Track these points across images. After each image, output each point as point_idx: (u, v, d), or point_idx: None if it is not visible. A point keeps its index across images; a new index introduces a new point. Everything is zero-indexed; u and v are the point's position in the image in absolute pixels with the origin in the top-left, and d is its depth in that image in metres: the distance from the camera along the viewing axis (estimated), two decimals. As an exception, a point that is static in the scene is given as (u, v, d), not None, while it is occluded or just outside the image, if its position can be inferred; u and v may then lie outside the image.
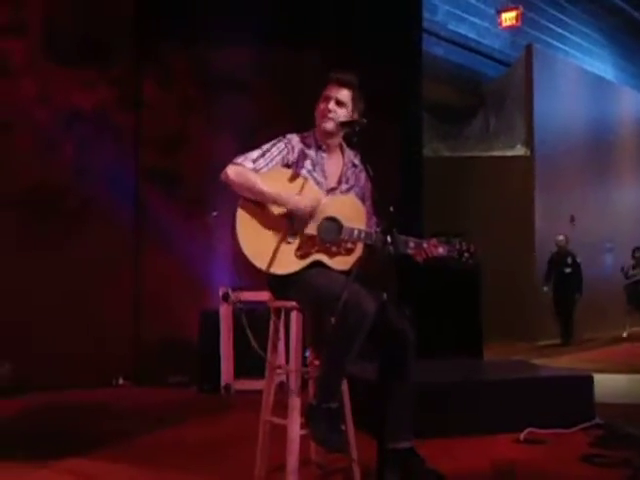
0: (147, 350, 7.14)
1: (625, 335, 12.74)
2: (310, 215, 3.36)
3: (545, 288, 11.89)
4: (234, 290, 6.40)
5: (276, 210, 3.36)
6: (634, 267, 13.09)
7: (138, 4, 7.31)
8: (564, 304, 11.84)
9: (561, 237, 11.84)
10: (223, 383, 6.47)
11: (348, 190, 3.60)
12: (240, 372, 6.43)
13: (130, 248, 7.22)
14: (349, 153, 3.66)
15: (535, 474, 3.79)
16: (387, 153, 7.70)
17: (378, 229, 3.45)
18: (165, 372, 6.99)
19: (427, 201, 8.75)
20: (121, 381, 6.99)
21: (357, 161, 3.65)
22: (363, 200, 3.63)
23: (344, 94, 3.52)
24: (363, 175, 3.64)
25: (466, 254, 3.54)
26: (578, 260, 11.77)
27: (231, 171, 3.38)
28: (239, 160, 3.40)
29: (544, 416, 4.66)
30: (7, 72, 6.91)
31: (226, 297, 6.49)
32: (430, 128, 12.35)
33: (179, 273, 7.19)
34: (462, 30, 13.32)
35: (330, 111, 3.49)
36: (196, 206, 7.23)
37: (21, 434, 4.99)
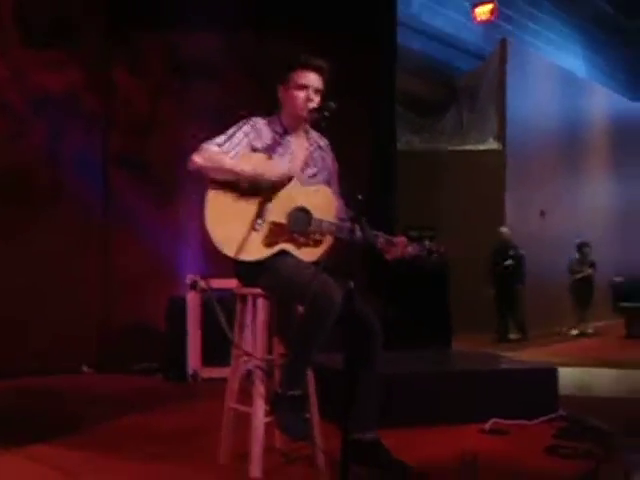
0: (113, 337, 7.08)
1: (575, 333, 12.64)
2: (287, 180, 3.34)
3: (491, 290, 11.51)
4: (202, 278, 6.37)
5: (245, 197, 3.34)
6: (581, 263, 12.99)
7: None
8: (506, 298, 11.52)
9: (504, 229, 11.66)
10: (190, 371, 6.44)
11: (315, 174, 3.58)
12: (208, 360, 6.40)
13: (99, 234, 7.15)
14: (314, 135, 3.63)
15: (499, 464, 3.81)
16: (360, 144, 7.72)
17: (346, 217, 3.44)
18: (131, 360, 6.92)
19: (400, 194, 8.75)
20: (85, 368, 6.92)
21: (322, 143, 3.63)
22: (329, 183, 3.62)
23: (320, 81, 3.50)
24: (329, 157, 3.64)
25: (435, 254, 3.55)
26: (521, 252, 11.55)
27: (198, 157, 3.34)
28: (203, 146, 3.37)
29: (509, 407, 4.69)
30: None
31: (194, 285, 6.46)
32: (404, 121, 12.36)
33: (148, 260, 7.14)
34: (436, 23, 13.33)
35: (311, 101, 3.46)
36: (166, 192, 7.19)
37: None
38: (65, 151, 7.05)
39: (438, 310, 7.19)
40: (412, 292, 7.01)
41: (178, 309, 6.56)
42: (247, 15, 7.21)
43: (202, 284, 6.36)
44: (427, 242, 3.56)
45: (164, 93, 7.44)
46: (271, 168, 3.34)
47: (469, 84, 13.55)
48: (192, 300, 6.49)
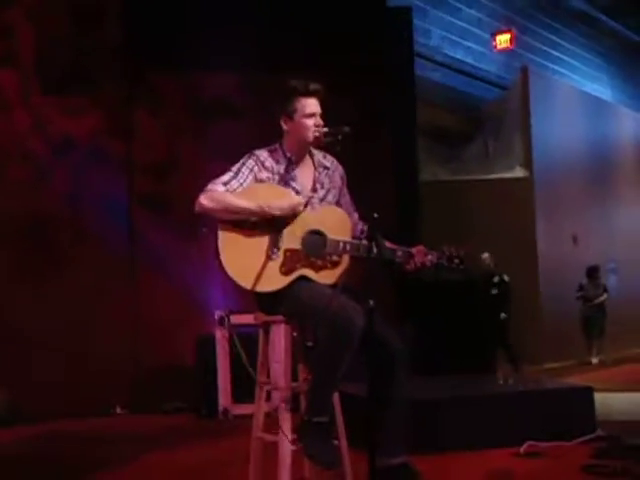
0: (144, 377, 7.08)
1: (595, 361, 12.04)
2: (296, 212, 3.30)
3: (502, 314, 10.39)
4: (230, 313, 6.35)
5: (257, 228, 3.32)
6: (594, 288, 12.25)
7: (127, 32, 7.35)
8: (494, 329, 10.12)
9: (485, 255, 10.86)
10: (221, 408, 6.39)
11: (325, 196, 3.54)
12: (239, 396, 6.35)
13: (125, 274, 7.20)
14: (318, 156, 3.58)
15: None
16: (383, 176, 7.72)
17: (363, 236, 3.41)
18: (163, 399, 6.93)
19: (427, 225, 8.71)
20: (118, 410, 6.92)
21: (327, 162, 3.59)
22: (339, 201, 3.58)
23: (319, 105, 3.49)
24: (337, 174, 3.59)
25: (456, 260, 3.49)
26: (506, 279, 10.90)
27: (204, 199, 3.32)
28: (208, 187, 3.35)
29: (544, 430, 4.58)
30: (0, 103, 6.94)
31: (222, 321, 6.43)
32: (429, 152, 12.34)
33: (175, 298, 7.16)
34: (458, 54, 13.37)
35: (320, 126, 3.45)
36: (189, 230, 7.18)
37: (17, 463, 4.96)
38: (89, 195, 7.14)
39: (470, 337, 7.12)
40: (443, 318, 6.95)
41: (207, 346, 6.54)
42: (263, 53, 7.28)
43: (230, 320, 6.34)
44: (446, 248, 3.50)
45: (184, 133, 7.51)
46: (277, 200, 3.32)
47: (493, 113, 13.52)
48: (220, 336, 6.47)
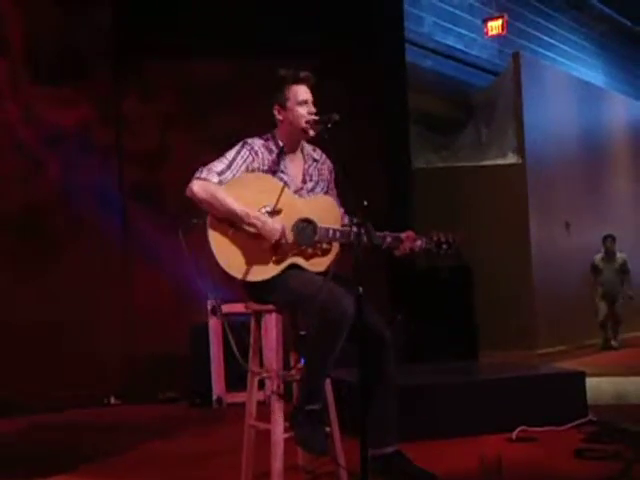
0: (138, 368, 7.06)
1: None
2: (276, 242, 3.30)
3: None
4: (223, 302, 6.35)
5: None
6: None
7: (117, 19, 7.28)
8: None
9: None
10: (215, 397, 6.41)
11: (314, 188, 3.56)
12: (232, 385, 6.36)
13: (118, 265, 7.16)
14: (307, 149, 3.61)
15: (525, 469, 3.77)
16: (375, 164, 7.70)
17: (352, 222, 3.41)
18: (157, 389, 6.93)
19: (420, 212, 8.70)
20: (113, 400, 6.91)
21: (316, 155, 3.61)
22: (328, 192, 3.59)
23: (310, 93, 3.50)
24: (325, 167, 3.61)
25: (444, 245, 3.50)
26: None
27: (197, 187, 3.34)
28: (203, 174, 3.35)
29: (537, 415, 4.61)
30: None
31: (215, 310, 6.44)
32: (422, 140, 12.33)
33: (168, 289, 7.14)
34: (449, 41, 13.33)
35: (312, 113, 3.45)
36: (183, 220, 7.16)
37: (10, 454, 4.95)
38: (81, 186, 7.08)
39: (464, 323, 7.14)
40: (436, 304, 6.96)
41: (200, 335, 6.54)
42: (255, 40, 7.24)
43: (222, 309, 6.34)
44: (435, 234, 3.51)
45: (176, 121, 7.45)
46: (264, 198, 3.33)
47: (485, 100, 13.49)
48: (214, 326, 6.48)
